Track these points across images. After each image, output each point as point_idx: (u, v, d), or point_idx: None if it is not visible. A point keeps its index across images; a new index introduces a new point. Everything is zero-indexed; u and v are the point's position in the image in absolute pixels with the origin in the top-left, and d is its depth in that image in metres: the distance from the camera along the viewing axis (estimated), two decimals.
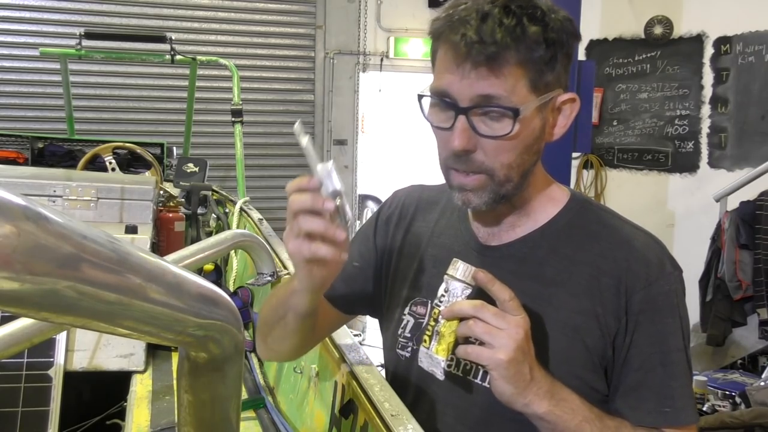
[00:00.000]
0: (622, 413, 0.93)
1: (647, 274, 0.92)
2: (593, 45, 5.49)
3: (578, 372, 0.92)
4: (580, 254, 0.95)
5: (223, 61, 3.33)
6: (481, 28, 0.83)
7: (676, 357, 0.92)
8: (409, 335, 1.05)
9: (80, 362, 1.54)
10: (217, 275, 1.98)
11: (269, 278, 1.62)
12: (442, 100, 0.89)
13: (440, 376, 0.90)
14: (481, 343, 0.84)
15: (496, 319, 0.84)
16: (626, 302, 0.92)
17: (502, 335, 0.83)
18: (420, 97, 0.94)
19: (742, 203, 3.98)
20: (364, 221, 7.81)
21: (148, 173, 2.90)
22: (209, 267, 1.91)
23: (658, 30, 5.24)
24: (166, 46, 3.18)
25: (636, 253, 0.94)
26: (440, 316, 0.88)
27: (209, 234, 2.43)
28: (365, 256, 1.13)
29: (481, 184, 0.91)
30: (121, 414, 1.47)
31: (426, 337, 0.89)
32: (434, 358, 0.88)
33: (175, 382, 1.49)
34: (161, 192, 2.28)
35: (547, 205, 0.99)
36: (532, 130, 0.90)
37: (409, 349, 1.04)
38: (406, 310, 1.06)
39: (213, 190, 2.65)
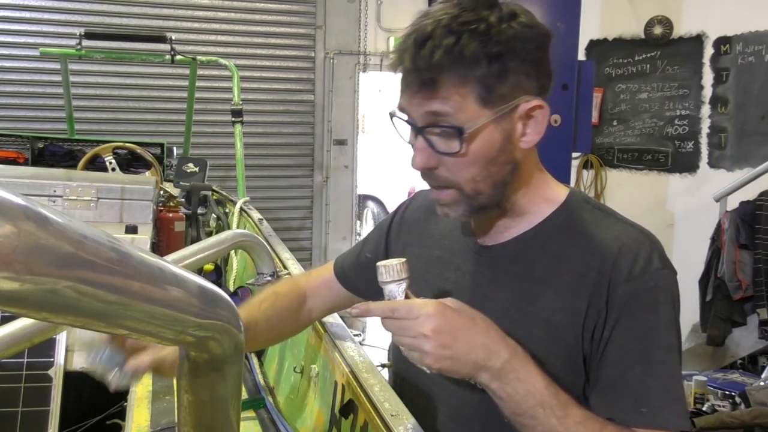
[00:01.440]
0: (597, 411, 0.89)
1: (631, 268, 0.90)
2: (593, 45, 5.49)
3: (558, 371, 0.91)
4: (569, 252, 0.94)
5: (223, 61, 3.33)
6: (417, 55, 0.86)
7: (657, 355, 0.88)
8: None
9: (80, 362, 1.54)
10: (217, 275, 1.98)
11: (269, 278, 1.62)
12: (403, 119, 0.92)
13: (428, 369, 0.86)
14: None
15: (405, 310, 0.84)
16: (608, 294, 0.90)
17: (414, 325, 0.83)
18: (392, 115, 0.96)
19: (742, 203, 3.98)
20: (364, 221, 7.79)
21: (148, 173, 2.90)
22: (209, 267, 1.91)
23: (658, 30, 5.24)
24: (166, 46, 3.18)
25: (624, 248, 0.92)
26: None
27: (209, 234, 2.44)
28: (376, 249, 1.18)
29: (453, 198, 0.93)
30: (121, 414, 1.47)
31: None
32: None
33: (175, 382, 1.48)
34: (161, 192, 2.29)
35: (543, 205, 0.98)
36: (489, 144, 0.89)
37: None
38: None
39: (213, 190, 2.65)
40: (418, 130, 0.90)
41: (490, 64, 0.86)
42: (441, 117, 0.87)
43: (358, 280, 1.19)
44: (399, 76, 0.92)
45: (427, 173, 0.92)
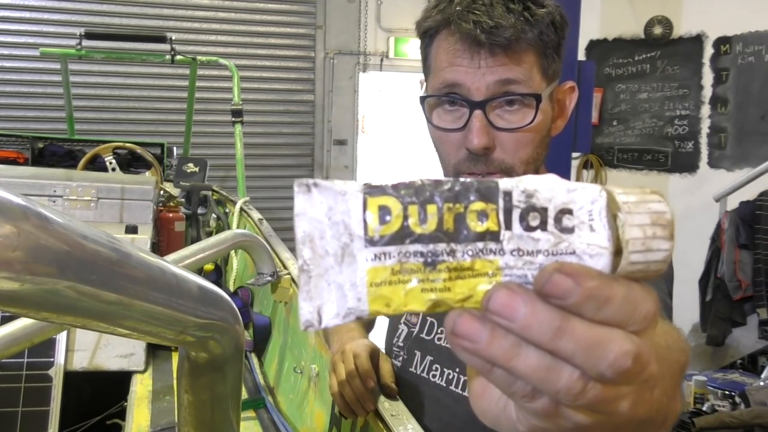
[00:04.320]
0: None
1: None
2: (593, 45, 5.48)
3: None
4: None
5: (223, 61, 3.33)
6: (493, 14, 0.79)
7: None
8: (401, 344, 1.05)
9: (80, 362, 1.53)
10: (217, 275, 1.98)
11: (269, 278, 1.62)
12: (453, 97, 0.84)
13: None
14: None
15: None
16: None
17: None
18: (423, 99, 0.88)
19: (742, 203, 3.98)
20: None
21: (148, 173, 2.90)
22: (209, 267, 1.91)
23: (657, 30, 5.24)
24: (166, 46, 3.18)
25: None
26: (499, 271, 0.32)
27: (209, 234, 2.43)
28: None
29: None
30: (121, 414, 1.47)
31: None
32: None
33: (175, 382, 1.48)
34: (161, 192, 2.28)
35: None
36: (545, 121, 0.86)
37: (401, 358, 1.04)
38: (402, 319, 1.06)
39: (213, 190, 2.64)
40: (478, 105, 0.81)
41: (555, 33, 0.83)
42: (513, 85, 0.81)
43: None
44: (450, 47, 0.83)
45: (479, 158, 0.84)
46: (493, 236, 0.30)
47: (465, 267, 0.30)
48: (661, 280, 0.81)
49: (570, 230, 0.30)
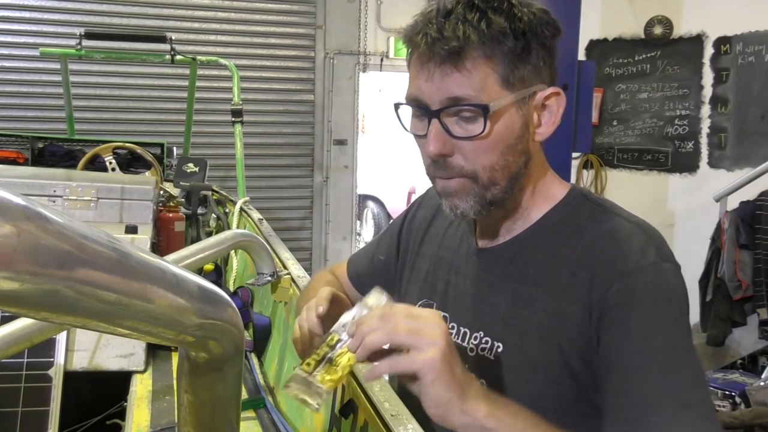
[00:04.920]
0: (609, 422, 0.80)
1: (624, 265, 0.83)
2: (593, 45, 5.49)
3: (557, 378, 0.85)
4: (563, 250, 0.89)
5: (223, 61, 3.33)
6: (443, 25, 0.82)
7: (658, 359, 0.79)
8: None
9: (80, 362, 1.53)
10: (217, 275, 1.98)
11: (269, 278, 1.62)
12: (415, 106, 0.88)
13: (316, 407, 0.77)
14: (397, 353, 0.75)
15: (410, 320, 0.75)
16: (599, 295, 0.82)
17: (426, 332, 0.73)
18: (396, 106, 0.93)
19: (742, 203, 3.98)
20: (364, 221, 7.71)
21: (148, 173, 2.90)
22: (209, 267, 1.91)
23: (658, 30, 5.24)
24: (166, 46, 3.18)
25: (616, 243, 0.85)
26: (339, 345, 0.78)
27: (209, 234, 2.43)
28: (389, 251, 1.16)
29: (463, 186, 0.88)
30: (121, 414, 1.47)
31: (311, 361, 0.78)
32: (315, 387, 0.76)
33: (175, 382, 1.48)
34: (161, 192, 2.28)
35: (543, 203, 0.94)
36: (511, 128, 0.86)
37: None
38: None
39: (213, 190, 2.64)
40: (434, 114, 0.84)
41: (516, 41, 0.83)
42: (462, 96, 0.83)
43: (373, 284, 1.15)
44: (413, 59, 0.88)
45: (439, 163, 0.87)
46: (336, 343, 0.79)
47: (335, 357, 0.78)
48: (671, 323, 0.81)
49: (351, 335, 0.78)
